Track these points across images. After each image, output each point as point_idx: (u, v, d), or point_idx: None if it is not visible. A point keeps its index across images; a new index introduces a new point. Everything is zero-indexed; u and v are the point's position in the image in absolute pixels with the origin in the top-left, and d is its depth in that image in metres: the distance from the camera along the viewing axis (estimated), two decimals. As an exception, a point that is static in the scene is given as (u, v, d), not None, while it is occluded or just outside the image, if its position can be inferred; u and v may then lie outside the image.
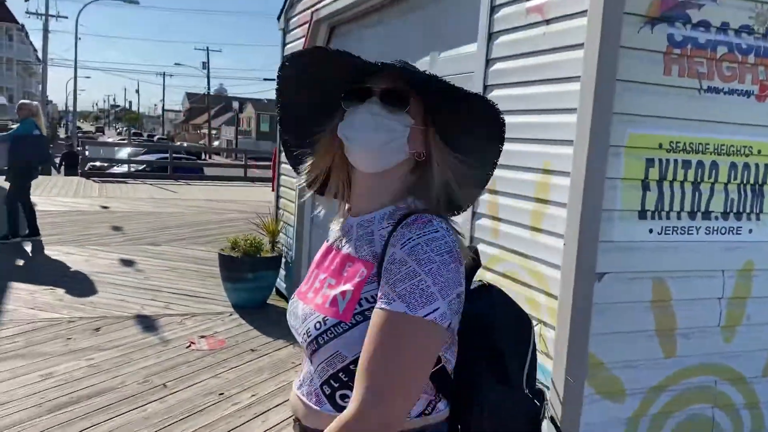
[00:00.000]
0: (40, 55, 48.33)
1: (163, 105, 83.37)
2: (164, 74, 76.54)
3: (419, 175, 1.18)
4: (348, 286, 1.13)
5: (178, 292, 6.05)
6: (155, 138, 57.24)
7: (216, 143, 54.75)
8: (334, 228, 1.28)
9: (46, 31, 37.82)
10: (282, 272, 5.87)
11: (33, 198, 11.77)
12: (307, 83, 1.23)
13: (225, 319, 5.35)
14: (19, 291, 5.82)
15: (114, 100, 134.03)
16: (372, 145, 1.13)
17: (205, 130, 65.42)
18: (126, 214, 10.71)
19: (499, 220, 2.69)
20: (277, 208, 6.28)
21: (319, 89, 1.23)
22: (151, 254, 7.72)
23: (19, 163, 7.62)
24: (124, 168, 18.68)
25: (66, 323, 4.99)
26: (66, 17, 53.25)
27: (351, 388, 1.08)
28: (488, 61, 2.78)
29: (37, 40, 50.54)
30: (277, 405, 3.72)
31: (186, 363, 4.30)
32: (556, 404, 2.29)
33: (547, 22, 2.44)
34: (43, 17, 37.90)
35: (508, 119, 1.19)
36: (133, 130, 74.39)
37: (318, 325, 1.13)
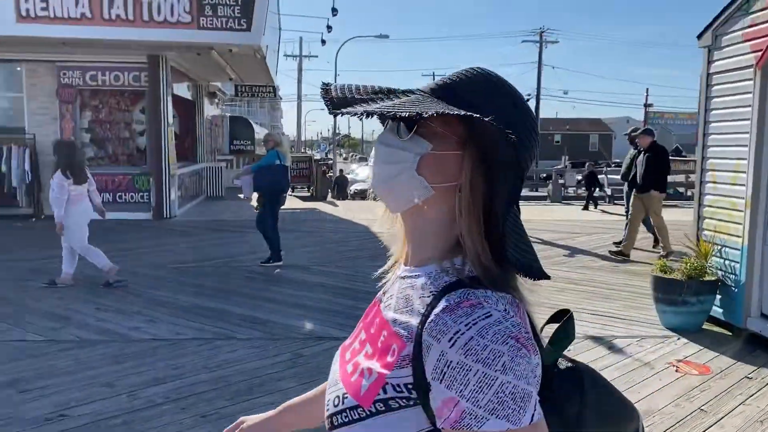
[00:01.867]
0: (279, 92, 54.51)
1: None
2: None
3: None
4: (376, 364, 0.93)
5: (597, 313, 6.12)
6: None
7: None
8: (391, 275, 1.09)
9: (300, 71, 42.33)
10: (717, 297, 5.67)
11: (363, 222, 13.01)
12: None
13: (676, 342, 5.27)
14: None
15: (338, 129, 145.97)
16: (380, 179, 0.97)
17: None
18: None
19: None
20: (698, 228, 6.09)
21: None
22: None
23: (262, 192, 8.19)
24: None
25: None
26: (317, 56, 58.78)
27: None
28: None
29: (283, 79, 56.76)
30: None
31: (693, 388, 4.27)
32: None
33: None
34: (298, 58, 42.42)
35: None
36: (358, 156, 79.79)
37: (337, 401, 0.96)
